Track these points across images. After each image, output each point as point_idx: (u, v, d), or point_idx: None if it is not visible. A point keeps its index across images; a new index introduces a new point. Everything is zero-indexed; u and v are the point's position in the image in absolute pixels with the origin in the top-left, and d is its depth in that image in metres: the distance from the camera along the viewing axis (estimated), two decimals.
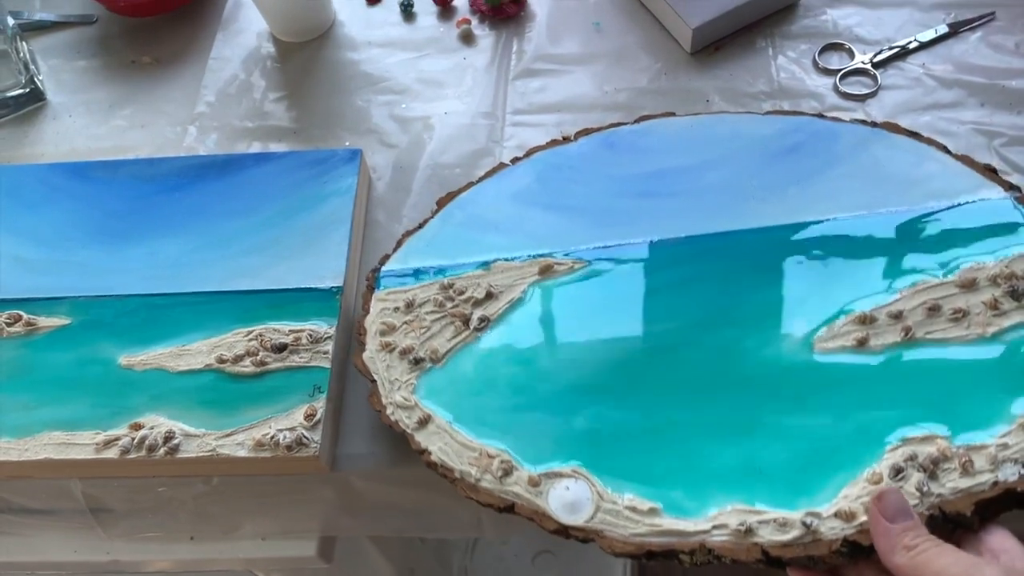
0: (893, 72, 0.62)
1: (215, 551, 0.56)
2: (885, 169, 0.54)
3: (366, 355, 0.51)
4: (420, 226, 0.56)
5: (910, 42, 0.63)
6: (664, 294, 0.51)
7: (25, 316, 0.55)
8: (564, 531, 0.44)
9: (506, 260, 0.54)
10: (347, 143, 0.64)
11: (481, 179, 0.58)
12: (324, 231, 0.57)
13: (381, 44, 0.69)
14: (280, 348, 0.52)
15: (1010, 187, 0.51)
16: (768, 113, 0.58)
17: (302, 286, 0.54)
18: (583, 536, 0.44)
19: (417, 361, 0.50)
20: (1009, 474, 0.42)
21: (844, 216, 0.52)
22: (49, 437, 0.50)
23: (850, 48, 0.63)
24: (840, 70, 0.62)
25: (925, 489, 0.42)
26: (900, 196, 0.53)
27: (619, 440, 0.47)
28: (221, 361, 0.52)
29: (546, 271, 0.53)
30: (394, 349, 0.51)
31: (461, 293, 0.52)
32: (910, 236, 0.51)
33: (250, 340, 0.52)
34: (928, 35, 0.63)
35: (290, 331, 0.52)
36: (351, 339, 0.54)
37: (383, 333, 0.52)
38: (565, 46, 0.67)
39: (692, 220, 0.54)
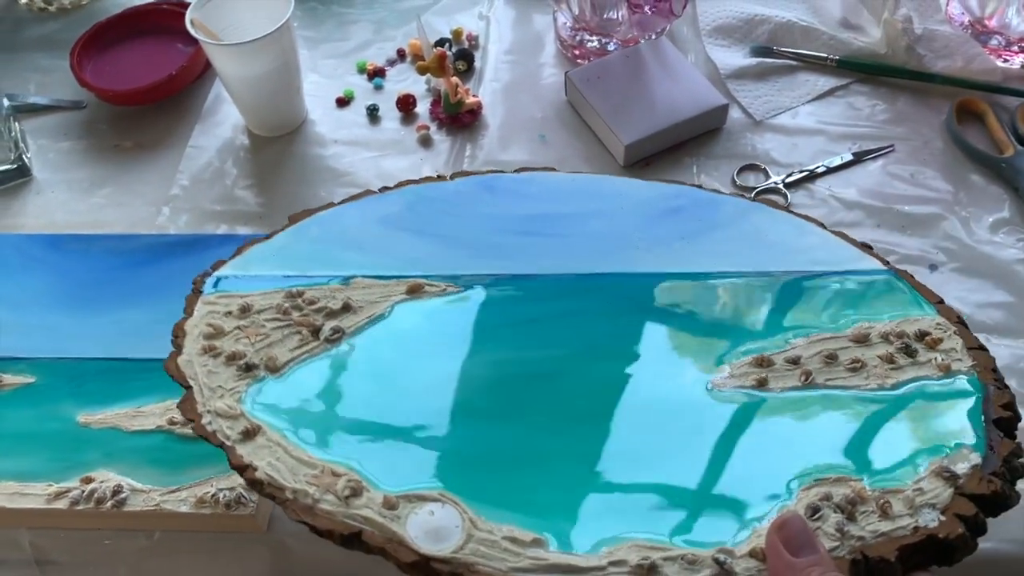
0: (802, 192, 0.69)
1: None
2: (768, 237, 0.54)
3: (181, 359, 0.47)
4: (267, 237, 0.54)
5: (819, 167, 0.71)
6: (546, 324, 0.50)
7: None
8: (425, 564, 0.39)
9: (369, 277, 0.51)
10: None
11: (342, 201, 0.56)
12: None
13: (347, 142, 0.76)
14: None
15: (886, 263, 0.53)
16: (651, 180, 0.59)
17: None
18: (449, 570, 0.38)
19: (248, 368, 0.47)
20: (929, 519, 0.40)
21: (733, 271, 0.53)
22: (3, 487, 0.54)
23: (766, 169, 0.71)
24: (755, 188, 0.69)
25: (845, 530, 0.40)
26: (785, 260, 0.53)
27: (493, 465, 0.43)
28: (172, 423, 0.56)
29: (415, 291, 0.51)
30: (219, 354, 0.47)
31: (312, 303, 0.50)
32: (799, 293, 0.51)
33: None
34: (835, 161, 0.71)
35: None
36: None
37: (207, 336, 0.48)
38: (513, 153, 0.74)
39: (574, 259, 0.53)
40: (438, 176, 0.59)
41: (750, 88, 0.76)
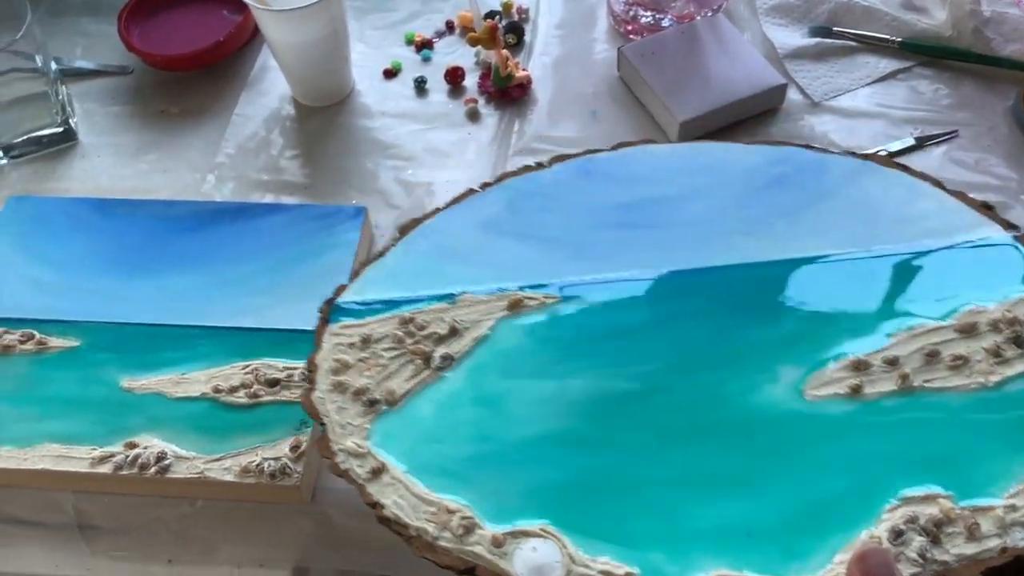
0: None
1: (190, 575, 0.58)
2: (877, 205, 0.51)
3: (315, 395, 0.48)
4: (380, 254, 0.53)
5: (879, 151, 0.68)
6: (641, 334, 0.49)
7: (37, 335, 0.59)
8: None
9: (472, 293, 0.51)
10: (353, 201, 0.69)
11: (448, 205, 0.56)
12: (324, 278, 0.60)
13: (394, 115, 0.75)
14: (273, 383, 0.55)
15: (1009, 226, 0.48)
16: (752, 142, 0.56)
17: (299, 327, 0.58)
18: None
19: (372, 403, 0.47)
20: (1019, 539, 0.39)
21: (835, 253, 0.50)
22: (48, 449, 0.54)
23: None
24: None
25: (928, 555, 0.39)
26: (893, 233, 0.50)
27: (593, 495, 0.43)
28: (217, 391, 0.55)
29: (515, 306, 0.50)
30: (347, 389, 0.48)
31: (422, 328, 0.49)
32: (905, 276, 0.48)
33: (246, 373, 0.56)
34: (896, 146, 0.69)
35: (284, 368, 0.56)
36: None
37: (336, 372, 0.48)
38: (562, 129, 0.72)
39: (672, 254, 0.51)
40: (537, 164, 0.58)
41: (808, 68, 0.74)
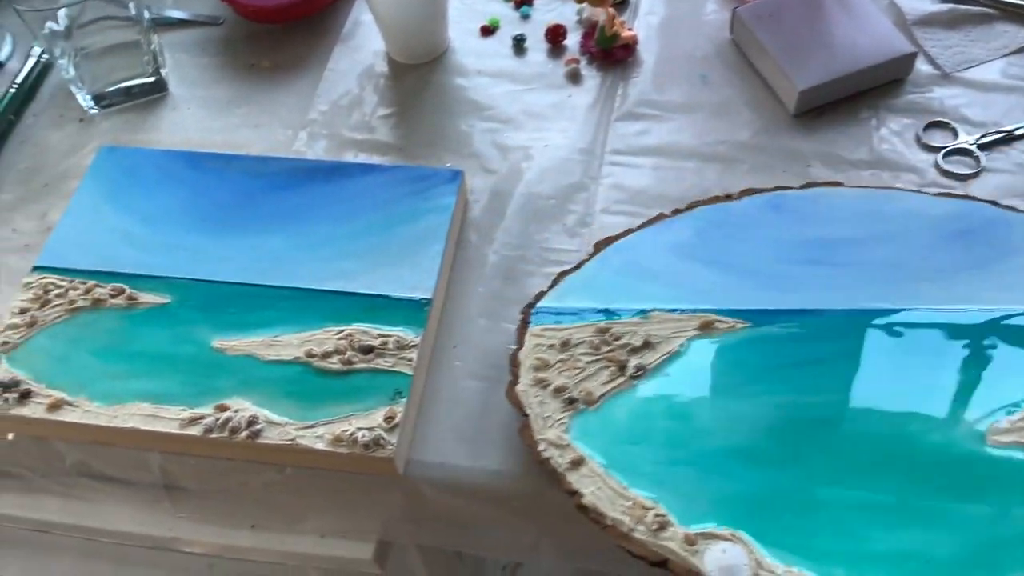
0: (998, 156, 0.62)
1: (274, 542, 0.57)
2: None
3: (519, 388, 0.51)
4: (577, 267, 0.56)
5: (1017, 128, 0.63)
6: (829, 365, 0.50)
7: (128, 290, 0.57)
8: None
9: (665, 311, 0.53)
10: (448, 164, 0.66)
11: (640, 227, 0.58)
12: (419, 244, 0.58)
13: (490, 74, 0.71)
14: (367, 350, 0.53)
15: None
16: (940, 195, 0.58)
17: (393, 294, 0.56)
18: None
19: (571, 401, 0.50)
20: None
21: (1020, 308, 0.51)
22: (137, 407, 0.52)
23: (955, 128, 0.64)
24: (943, 148, 0.63)
25: None
26: None
27: (778, 509, 0.46)
28: (310, 355, 0.53)
29: (706, 327, 0.52)
30: (548, 386, 0.51)
31: (618, 339, 0.52)
32: None
33: (340, 339, 0.54)
34: None
35: (378, 335, 0.54)
36: (435, 351, 0.56)
37: (537, 368, 0.52)
38: (669, 94, 0.68)
39: (859, 293, 0.53)
40: (726, 196, 0.60)
41: (940, 37, 0.68)
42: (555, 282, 0.56)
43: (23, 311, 0.57)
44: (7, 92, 0.73)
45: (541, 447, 0.48)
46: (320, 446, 0.50)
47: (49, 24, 0.67)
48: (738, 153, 0.64)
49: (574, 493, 0.47)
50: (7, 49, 0.78)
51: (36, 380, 0.54)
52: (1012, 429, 0.47)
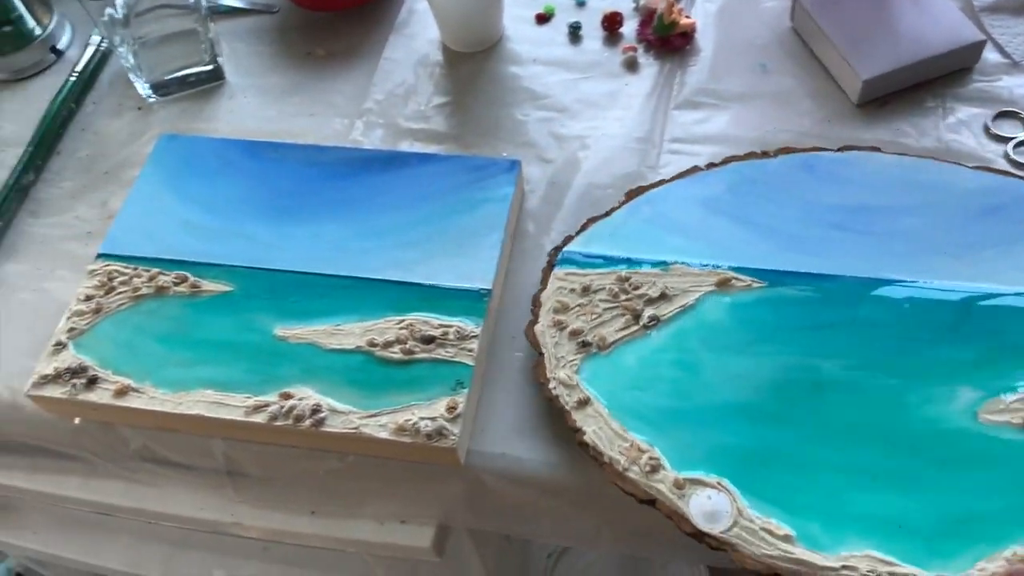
0: None
1: (333, 528, 0.57)
2: None
3: (538, 327, 0.53)
4: (607, 213, 0.58)
5: None
6: (837, 331, 0.51)
7: (191, 278, 0.58)
8: (699, 536, 0.46)
9: (685, 264, 0.54)
10: (504, 153, 0.65)
11: (673, 178, 0.59)
12: (477, 235, 0.58)
13: (545, 62, 0.71)
14: (428, 340, 0.53)
15: None
16: (977, 168, 0.58)
17: (453, 284, 0.56)
18: (716, 545, 0.45)
19: (584, 344, 0.52)
20: None
21: None
22: (202, 395, 0.53)
23: None
24: (1012, 139, 0.61)
25: None
26: None
27: (766, 463, 0.47)
28: (372, 345, 0.54)
29: (723, 284, 0.54)
30: (564, 328, 0.53)
31: (636, 288, 0.54)
32: None
33: (401, 328, 0.54)
34: None
35: (439, 325, 0.54)
36: (499, 343, 0.56)
37: (556, 311, 0.54)
38: (728, 83, 0.68)
39: (880, 262, 0.53)
40: (762, 152, 0.60)
41: (1009, 25, 0.67)
42: (584, 227, 0.58)
43: (88, 298, 0.57)
44: (67, 80, 0.74)
45: (551, 385, 0.51)
46: (383, 435, 0.50)
47: (108, 11, 0.67)
48: (800, 143, 0.63)
49: (577, 430, 0.49)
50: (66, 37, 0.78)
51: (102, 366, 0.54)
52: (1007, 409, 0.47)
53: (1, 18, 0.77)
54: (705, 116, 0.66)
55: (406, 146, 0.67)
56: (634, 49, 0.70)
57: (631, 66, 0.70)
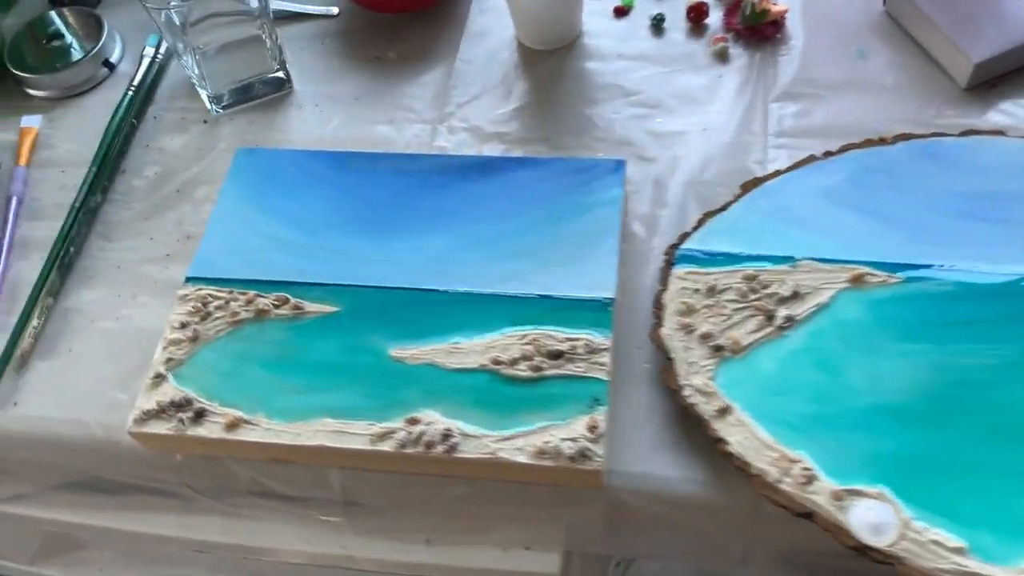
0: None
1: (452, 557, 0.54)
2: None
3: (664, 331, 0.51)
4: (722, 208, 0.55)
5: None
6: (984, 328, 0.49)
7: (292, 299, 0.55)
8: (862, 550, 0.43)
9: (813, 260, 0.52)
10: (600, 153, 0.63)
11: (789, 169, 0.56)
12: (590, 240, 0.55)
13: (631, 57, 0.68)
14: (556, 355, 0.50)
15: None
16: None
17: (574, 295, 0.53)
18: (882, 559, 0.42)
19: (717, 348, 0.49)
20: None
21: None
22: (322, 423, 0.50)
23: None
24: None
25: None
26: None
27: (928, 471, 0.45)
28: (496, 362, 0.51)
29: (857, 280, 0.51)
30: (693, 331, 0.50)
31: (765, 287, 0.51)
32: None
33: (525, 344, 0.51)
34: None
35: (565, 339, 0.51)
36: (622, 353, 0.53)
37: (682, 313, 0.51)
38: (825, 71, 0.65)
39: (1017, 252, 0.51)
40: (879, 139, 0.57)
41: None
42: (700, 223, 0.55)
43: (183, 325, 0.54)
44: (125, 95, 0.70)
45: (686, 392, 0.48)
46: (522, 459, 0.47)
47: (166, 15, 0.64)
48: (910, 131, 0.60)
49: (719, 440, 0.46)
50: (118, 50, 0.75)
51: (207, 398, 0.51)
52: None
53: (49, 33, 0.74)
54: (806, 107, 0.63)
55: (493, 150, 0.64)
56: (724, 40, 0.67)
57: (722, 57, 0.67)
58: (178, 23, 0.64)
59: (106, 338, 0.58)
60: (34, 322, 0.58)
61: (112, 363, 0.57)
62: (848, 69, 0.65)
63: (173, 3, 0.63)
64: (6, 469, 0.59)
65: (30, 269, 0.62)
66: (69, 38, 0.74)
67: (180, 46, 0.66)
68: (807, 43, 0.67)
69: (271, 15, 0.67)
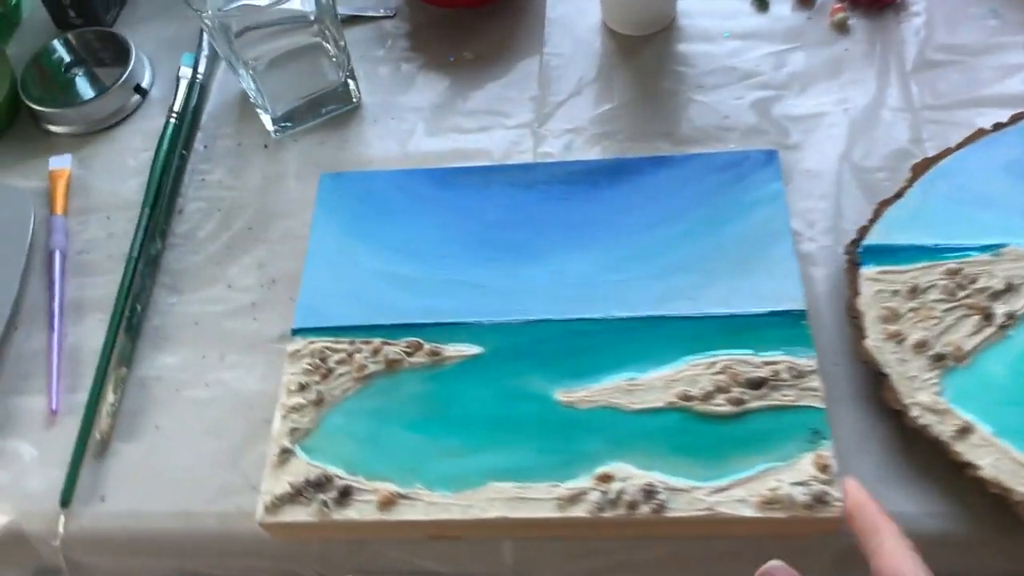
0: None
1: None
2: None
3: (870, 343, 0.44)
4: (898, 195, 0.49)
5: None
6: None
7: (426, 344, 0.47)
8: None
9: (1018, 246, 0.46)
10: (731, 145, 0.55)
11: (959, 146, 0.51)
12: (759, 244, 0.48)
13: (740, 36, 0.61)
14: (757, 384, 0.43)
15: None
16: None
17: (757, 310, 0.46)
18: None
19: (938, 358, 0.43)
20: None
21: None
22: (495, 490, 0.42)
23: None
24: None
25: None
26: None
27: None
28: (686, 398, 0.43)
29: None
30: (904, 340, 0.44)
31: (973, 281, 0.45)
32: None
33: (716, 373, 0.44)
34: None
35: (763, 363, 0.44)
36: (827, 374, 0.46)
37: (886, 320, 0.45)
38: (961, 35, 0.59)
39: None
40: None
41: None
42: (876, 214, 0.49)
43: (303, 387, 0.46)
44: (167, 123, 0.61)
45: (914, 413, 0.42)
46: (748, 512, 0.40)
47: (220, 23, 0.55)
48: None
49: (966, 465, 0.41)
50: (148, 74, 0.66)
51: (349, 472, 0.43)
52: None
53: (67, 61, 0.65)
54: (948, 76, 0.57)
55: (609, 151, 0.56)
56: (843, 9, 0.60)
57: (842, 29, 0.60)
58: (235, 31, 0.56)
59: (198, 409, 0.49)
60: (109, 398, 0.50)
61: (212, 439, 0.48)
62: (983, 31, 0.59)
63: (228, 7, 0.54)
64: None
65: (90, 335, 0.53)
66: (91, 64, 0.65)
67: (234, 59, 0.57)
68: (930, 7, 0.60)
69: (337, 16, 0.58)
